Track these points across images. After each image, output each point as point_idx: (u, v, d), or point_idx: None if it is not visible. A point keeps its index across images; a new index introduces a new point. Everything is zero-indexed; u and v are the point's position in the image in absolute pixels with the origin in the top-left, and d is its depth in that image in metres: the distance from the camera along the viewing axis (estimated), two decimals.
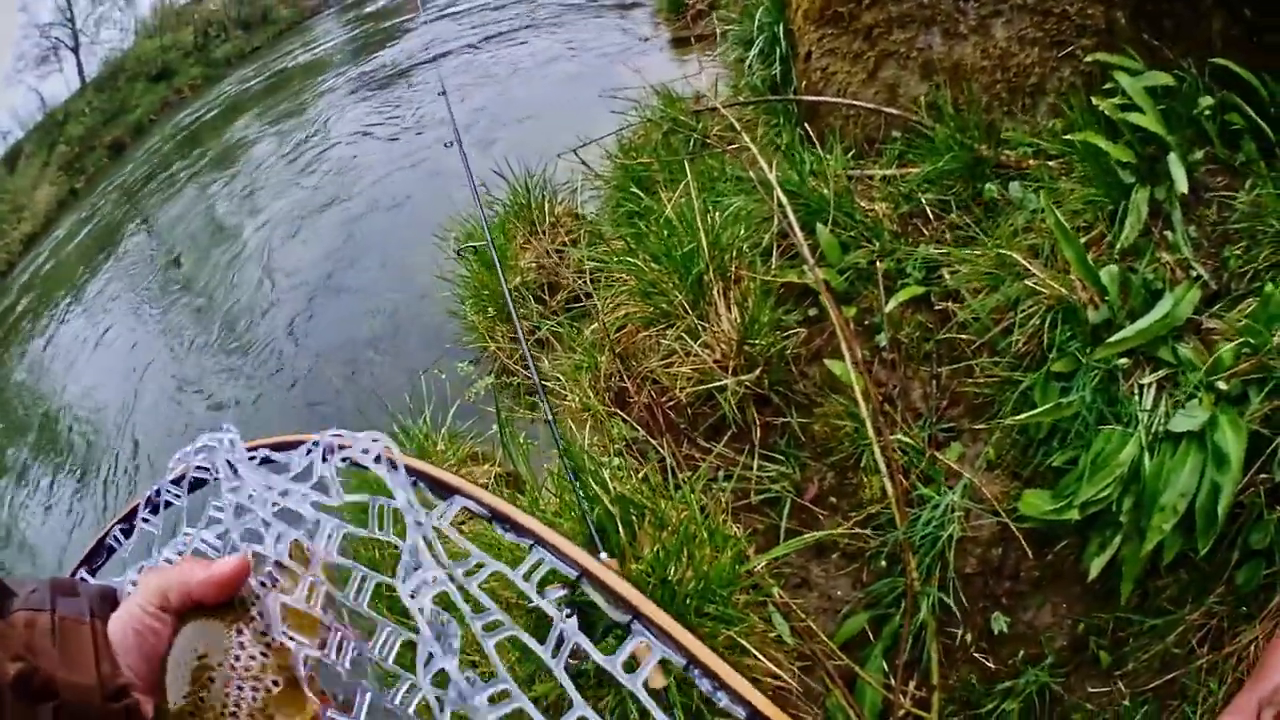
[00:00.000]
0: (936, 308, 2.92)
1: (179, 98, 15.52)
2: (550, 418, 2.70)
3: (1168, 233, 2.54)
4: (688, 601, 2.36)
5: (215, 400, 5.93)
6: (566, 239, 3.81)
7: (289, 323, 6.15)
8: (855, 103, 3.63)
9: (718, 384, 2.84)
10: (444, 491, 0.85)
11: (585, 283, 3.38)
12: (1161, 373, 2.32)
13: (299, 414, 5.11)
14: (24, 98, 15.95)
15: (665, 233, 3.08)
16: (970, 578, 2.54)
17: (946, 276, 2.89)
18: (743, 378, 2.83)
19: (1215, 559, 2.16)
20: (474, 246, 3.88)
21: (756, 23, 4.09)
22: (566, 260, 3.70)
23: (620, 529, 2.46)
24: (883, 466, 2.58)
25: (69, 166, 13.82)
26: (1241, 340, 2.19)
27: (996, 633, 2.45)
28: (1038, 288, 2.58)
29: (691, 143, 3.43)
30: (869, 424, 2.64)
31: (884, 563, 2.62)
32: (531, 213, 4.01)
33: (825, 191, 3.22)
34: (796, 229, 2.90)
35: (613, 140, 3.87)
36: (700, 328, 2.90)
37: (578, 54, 5.78)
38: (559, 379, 3.17)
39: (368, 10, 15.46)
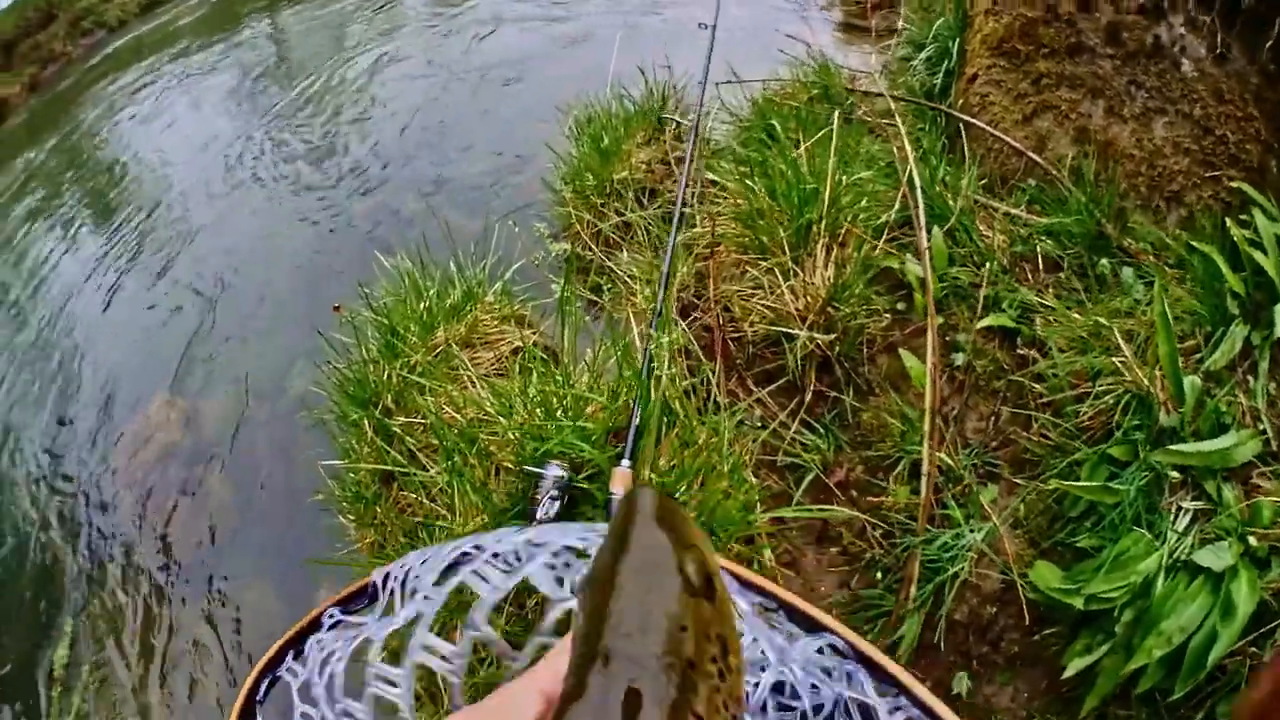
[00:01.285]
0: (1018, 350, 2.84)
1: None
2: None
3: (1250, 377, 2.48)
4: None
5: (290, 207, 5.86)
6: (682, 154, 3.72)
7: (375, 144, 6.08)
8: (1006, 139, 3.57)
9: (790, 331, 2.74)
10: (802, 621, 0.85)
11: (689, 197, 3.30)
12: (1201, 503, 2.27)
13: (364, 234, 5.05)
14: None
15: (791, 169, 2.99)
16: (955, 625, 2.46)
17: (1038, 325, 2.82)
18: (817, 335, 2.73)
19: (1180, 712, 2.11)
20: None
21: (933, 31, 4.05)
22: (675, 177, 3.62)
23: (652, 432, 2.39)
24: (926, 465, 2.49)
25: None
26: None
27: (954, 692, 2.37)
28: (1122, 369, 2.52)
29: (835, 116, 3.35)
30: (926, 428, 2.54)
31: (879, 575, 2.54)
32: (658, 119, 3.94)
33: (951, 203, 3.15)
34: (922, 222, 2.82)
35: (759, 87, 3.80)
36: (793, 271, 2.81)
37: (748, 4, 5.67)
38: (632, 273, 3.09)
39: None
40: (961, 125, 3.67)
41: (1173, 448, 2.30)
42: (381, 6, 9.21)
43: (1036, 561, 2.39)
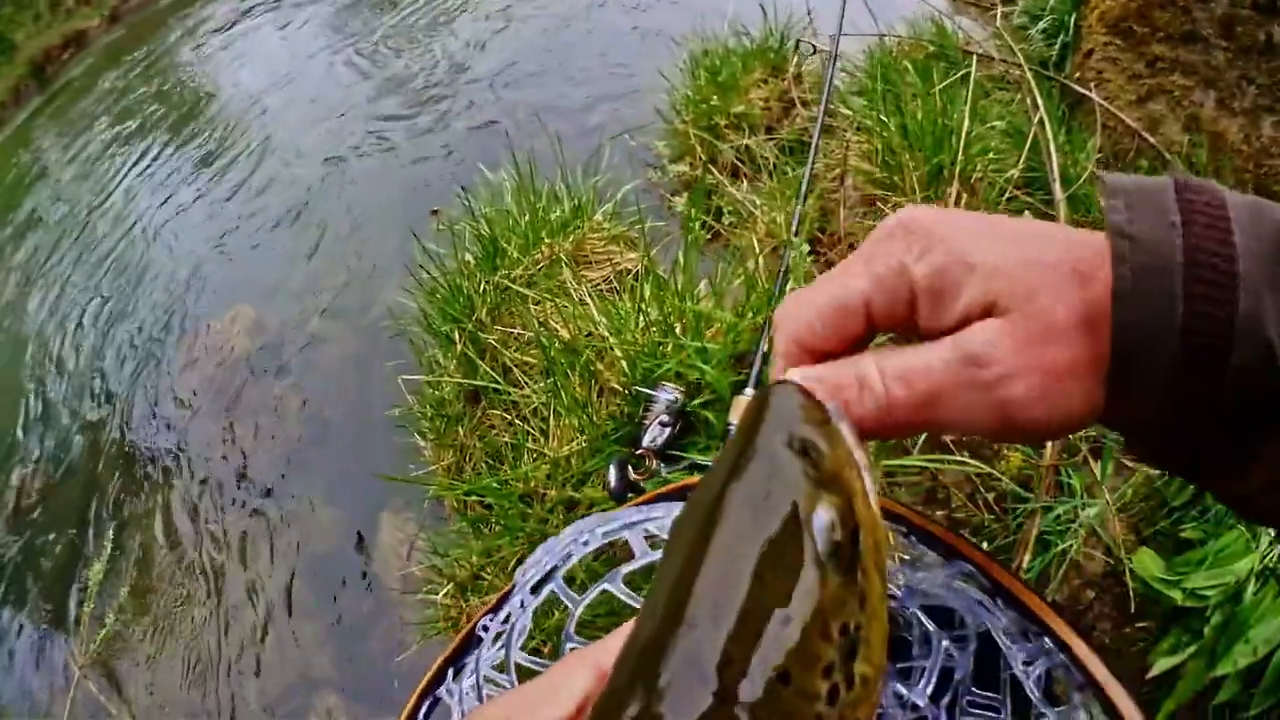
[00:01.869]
0: None
1: None
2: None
3: None
4: None
5: (392, 125, 5.74)
6: (805, 94, 3.63)
7: (485, 67, 5.94)
8: (1124, 116, 3.50)
9: None
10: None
11: (808, 138, 3.19)
12: None
13: (469, 151, 4.93)
14: None
15: (927, 110, 2.88)
16: (1055, 609, 2.33)
17: None
18: None
19: None
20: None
21: (1050, 4, 3.97)
22: (796, 114, 3.52)
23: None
24: None
25: None
26: None
27: None
28: None
29: (973, 61, 3.27)
30: None
31: (986, 545, 2.41)
32: (777, 57, 3.85)
33: (1072, 171, 3.06)
34: (1055, 171, 2.72)
35: (875, 40, 3.69)
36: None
37: None
38: (754, 201, 2.98)
39: None
40: (1078, 100, 3.59)
41: None
42: None
43: (1140, 548, 2.30)
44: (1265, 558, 2.06)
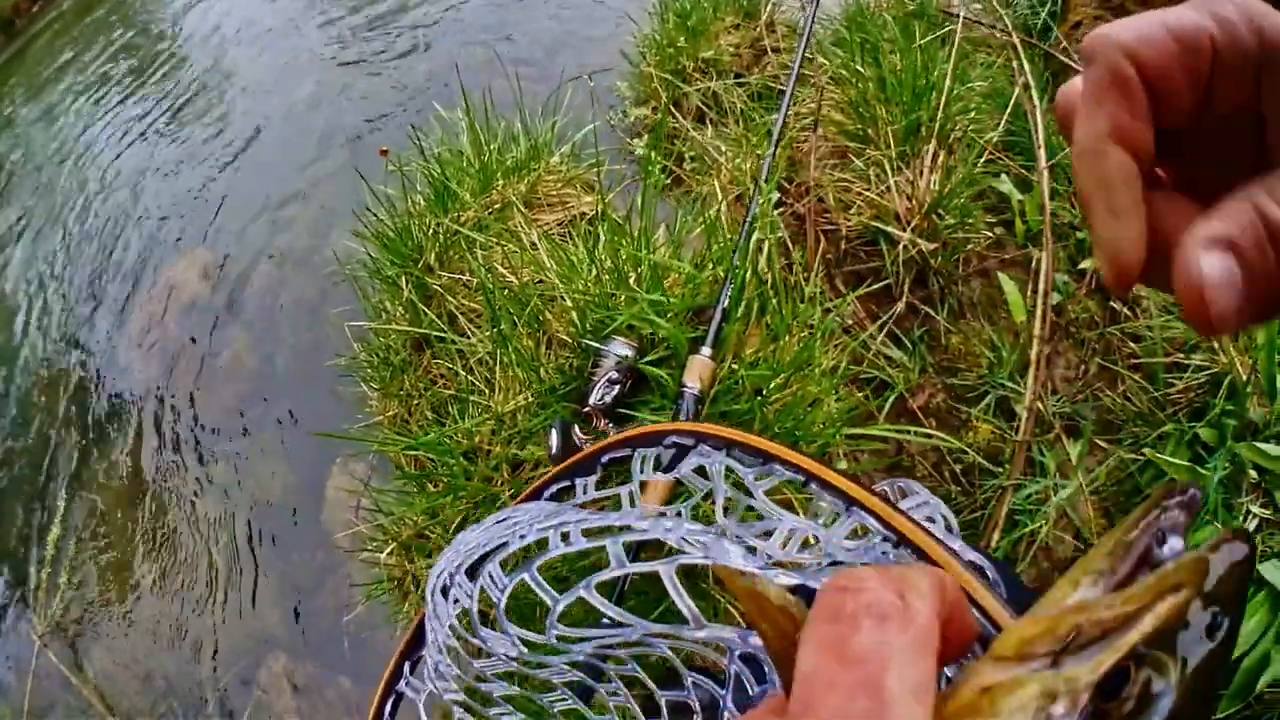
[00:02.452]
0: (1111, 304, 2.67)
1: None
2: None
3: None
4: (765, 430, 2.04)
5: (345, 60, 5.57)
6: (778, 42, 3.48)
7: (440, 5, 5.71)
8: None
9: (891, 231, 2.51)
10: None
11: (779, 87, 3.06)
12: (1269, 513, 2.11)
13: (423, 88, 4.78)
14: None
15: (906, 61, 2.75)
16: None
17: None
18: (919, 241, 2.49)
19: None
20: None
21: None
22: (766, 63, 3.38)
23: (740, 317, 2.13)
24: (1029, 400, 2.30)
25: None
26: None
27: None
28: (1219, 348, 2.36)
29: (930, 32, 3.14)
30: (1033, 356, 2.33)
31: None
32: (750, 4, 3.69)
33: (1055, 140, 2.94)
34: (1040, 136, 2.61)
35: None
36: (899, 168, 2.57)
37: None
38: (719, 148, 2.84)
39: None
40: (1061, 68, 3.49)
41: (1258, 444, 2.14)
42: None
43: None
44: None
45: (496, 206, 2.79)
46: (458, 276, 2.68)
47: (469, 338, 2.55)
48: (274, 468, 3.34)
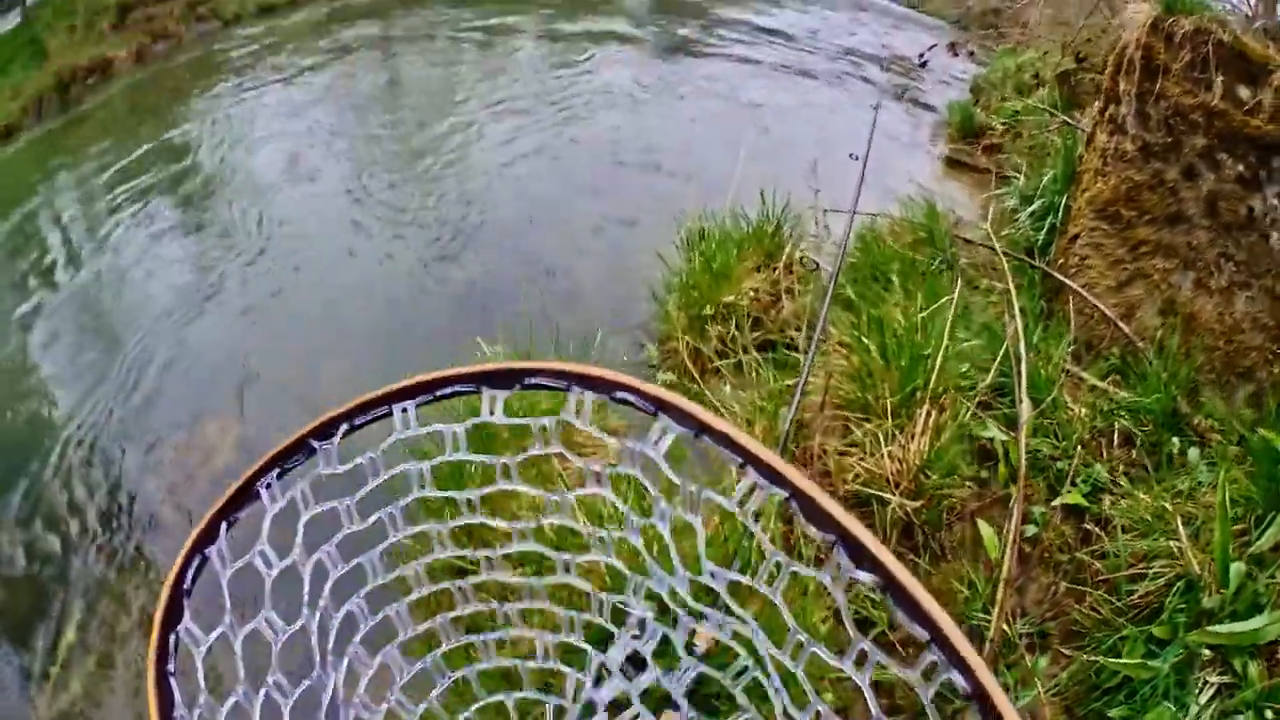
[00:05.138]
0: (1084, 526, 2.93)
1: None
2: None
3: None
4: None
5: (381, 255, 5.84)
6: (794, 284, 3.83)
7: (482, 208, 6.05)
8: (1099, 304, 3.67)
9: (882, 496, 2.85)
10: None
11: (790, 335, 3.39)
12: (1227, 678, 2.36)
13: (457, 299, 5.05)
14: None
15: (906, 334, 3.09)
16: None
17: (1106, 502, 2.92)
18: (906, 502, 2.83)
19: None
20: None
21: (1042, 184, 4.14)
22: (781, 307, 3.72)
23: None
24: (993, 632, 2.60)
25: None
26: None
27: None
28: (1178, 553, 2.61)
29: (937, 262, 3.45)
30: (1000, 596, 2.62)
31: None
32: (773, 245, 4.04)
33: (1044, 371, 3.26)
34: (1023, 393, 2.92)
35: (864, 218, 3.88)
36: (894, 435, 2.91)
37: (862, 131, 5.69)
38: (735, 410, 3.18)
39: None
40: (1059, 287, 3.74)
41: (1209, 628, 2.41)
42: (493, 51, 9.34)
43: None
44: None
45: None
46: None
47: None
48: None
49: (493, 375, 1.13)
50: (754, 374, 3.36)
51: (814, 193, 3.59)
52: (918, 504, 2.88)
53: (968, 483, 3.03)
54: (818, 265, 3.91)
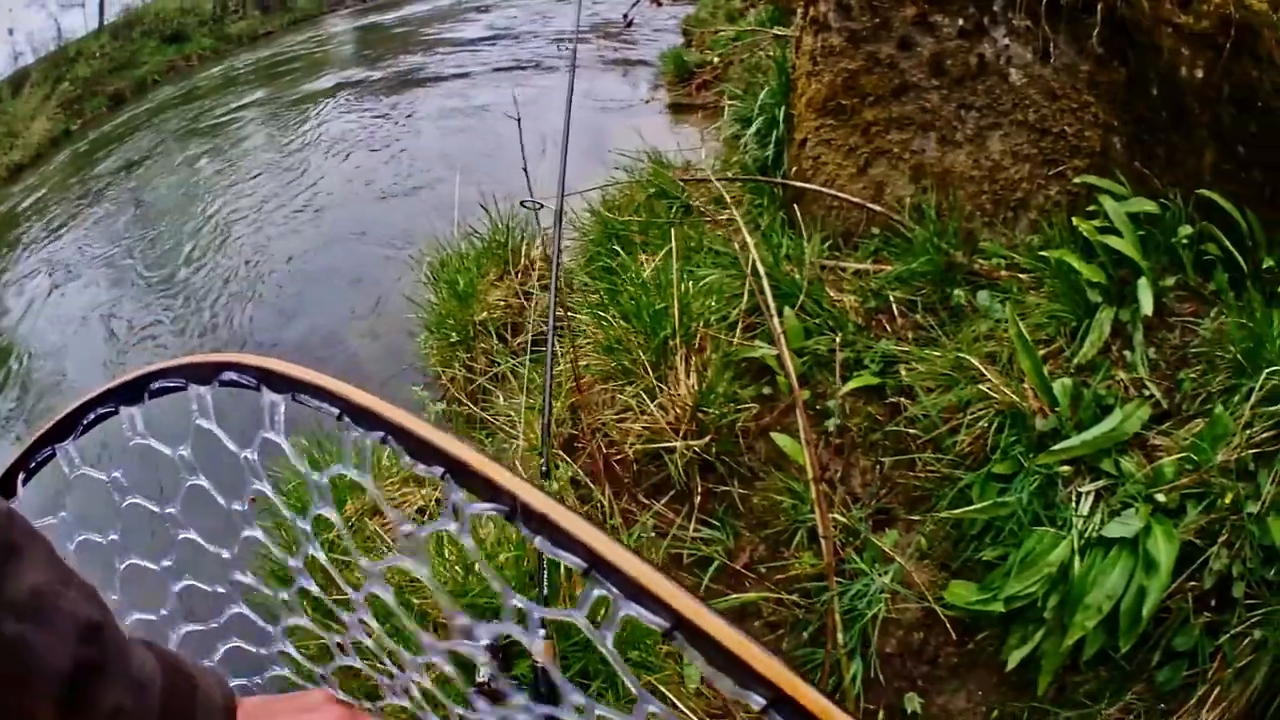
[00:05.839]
0: (888, 400, 2.97)
1: (186, 64, 15.22)
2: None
3: (1126, 352, 2.66)
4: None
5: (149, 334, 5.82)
6: (537, 283, 3.83)
7: (241, 303, 5.95)
8: (840, 195, 3.67)
9: (667, 445, 2.86)
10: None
11: (543, 330, 3.37)
12: (1101, 482, 2.42)
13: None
14: (43, 24, 15.46)
15: (639, 293, 3.11)
16: (889, 658, 2.57)
17: (903, 372, 2.95)
18: (692, 443, 2.85)
19: (1136, 659, 2.24)
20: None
21: (759, 103, 4.15)
22: (534, 303, 3.71)
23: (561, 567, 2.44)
24: (820, 523, 2.59)
25: (69, 106, 13.28)
26: (1184, 456, 2.31)
27: (909, 712, 2.48)
28: (990, 393, 2.66)
29: (674, 209, 3.46)
30: (813, 489, 2.63)
31: (806, 634, 2.63)
32: (507, 252, 4.04)
33: (798, 277, 3.27)
34: (771, 308, 2.95)
35: (597, 194, 3.89)
36: (658, 389, 2.92)
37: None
38: (511, 416, 3.17)
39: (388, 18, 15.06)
40: (798, 193, 3.77)
41: (1056, 447, 2.46)
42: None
43: (950, 583, 2.54)
44: (1085, 534, 2.31)
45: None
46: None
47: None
48: None
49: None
50: (518, 379, 3.35)
51: (529, 188, 3.59)
52: (704, 441, 2.90)
53: (753, 403, 3.05)
54: (540, 206, 3.91)
